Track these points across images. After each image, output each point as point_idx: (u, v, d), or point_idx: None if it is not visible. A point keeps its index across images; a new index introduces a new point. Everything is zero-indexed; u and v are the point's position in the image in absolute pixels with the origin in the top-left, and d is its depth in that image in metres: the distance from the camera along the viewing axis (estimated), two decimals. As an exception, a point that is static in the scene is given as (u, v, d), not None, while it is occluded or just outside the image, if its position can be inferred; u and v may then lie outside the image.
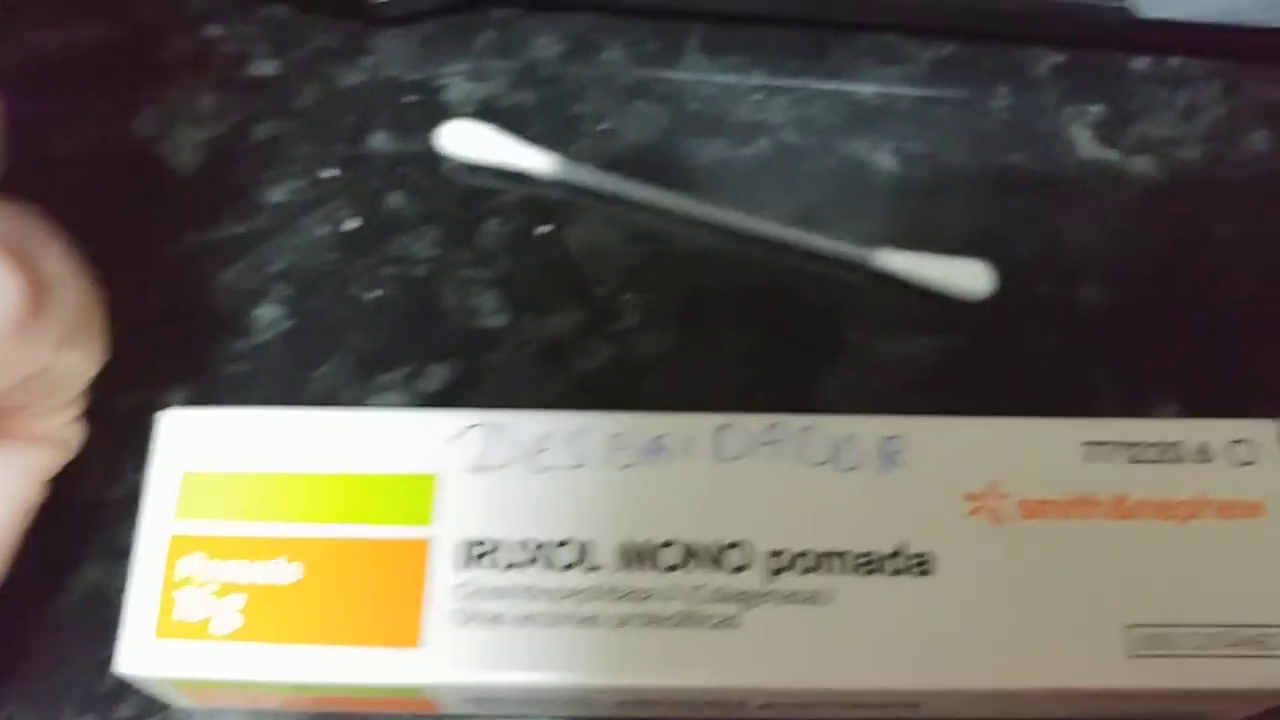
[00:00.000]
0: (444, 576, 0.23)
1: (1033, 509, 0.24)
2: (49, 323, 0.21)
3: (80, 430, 0.25)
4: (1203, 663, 0.23)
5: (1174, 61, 0.34)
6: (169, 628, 0.23)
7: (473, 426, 0.24)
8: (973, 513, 0.24)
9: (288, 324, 0.30)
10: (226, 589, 0.23)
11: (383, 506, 0.24)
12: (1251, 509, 0.24)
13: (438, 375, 0.29)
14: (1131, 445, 0.24)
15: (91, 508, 0.27)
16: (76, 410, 0.24)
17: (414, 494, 0.24)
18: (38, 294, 0.21)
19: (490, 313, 0.30)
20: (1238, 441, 0.24)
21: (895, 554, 0.23)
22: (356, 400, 0.29)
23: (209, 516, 0.24)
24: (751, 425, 0.25)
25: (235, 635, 0.23)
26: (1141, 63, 0.34)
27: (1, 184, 0.21)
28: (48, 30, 0.34)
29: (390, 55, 0.34)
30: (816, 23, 0.34)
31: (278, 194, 0.32)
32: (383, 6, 0.34)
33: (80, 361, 0.23)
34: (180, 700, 0.25)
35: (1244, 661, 0.23)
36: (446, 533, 0.23)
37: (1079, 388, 0.30)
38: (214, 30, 0.34)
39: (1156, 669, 0.23)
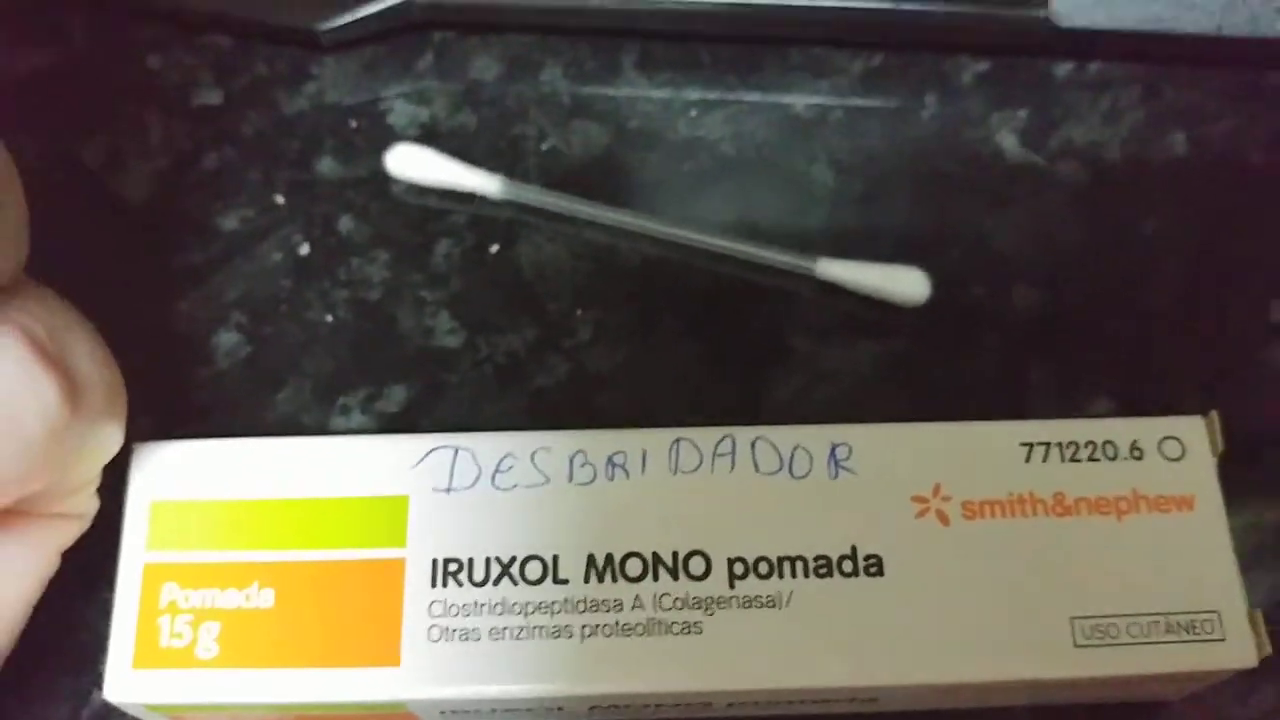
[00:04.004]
0: (419, 596, 0.24)
1: (976, 509, 0.25)
2: (83, 418, 0.22)
3: (97, 501, 0.25)
4: (1143, 649, 0.24)
5: (1094, 67, 0.35)
6: (151, 656, 0.24)
7: (437, 448, 0.25)
8: (919, 515, 0.25)
9: (246, 350, 0.31)
10: (202, 616, 0.24)
11: (358, 529, 0.24)
12: (1183, 503, 0.25)
13: (397, 395, 0.30)
14: (1067, 445, 0.26)
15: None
16: (96, 484, 0.24)
17: (389, 515, 0.25)
18: (73, 393, 0.21)
19: (445, 332, 0.31)
20: (1168, 438, 0.26)
21: (847, 557, 0.24)
22: (319, 422, 0.30)
23: (180, 547, 0.24)
24: (705, 438, 0.26)
25: (216, 661, 0.23)
26: (1063, 69, 0.35)
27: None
28: (-11, 62, 0.35)
29: (333, 81, 0.35)
30: (748, 38, 0.35)
31: (229, 222, 0.32)
32: (324, 34, 0.34)
33: (107, 441, 0.23)
34: (163, 725, 0.25)
35: (1179, 646, 0.24)
36: (419, 552, 0.24)
37: (1016, 386, 0.31)
38: (156, 61, 0.35)
39: (1102, 658, 0.24)
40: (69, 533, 0.25)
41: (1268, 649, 0.24)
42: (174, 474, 0.25)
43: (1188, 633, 0.24)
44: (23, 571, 0.24)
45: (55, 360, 0.21)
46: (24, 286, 0.22)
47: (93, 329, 0.23)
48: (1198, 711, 0.27)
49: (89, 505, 0.25)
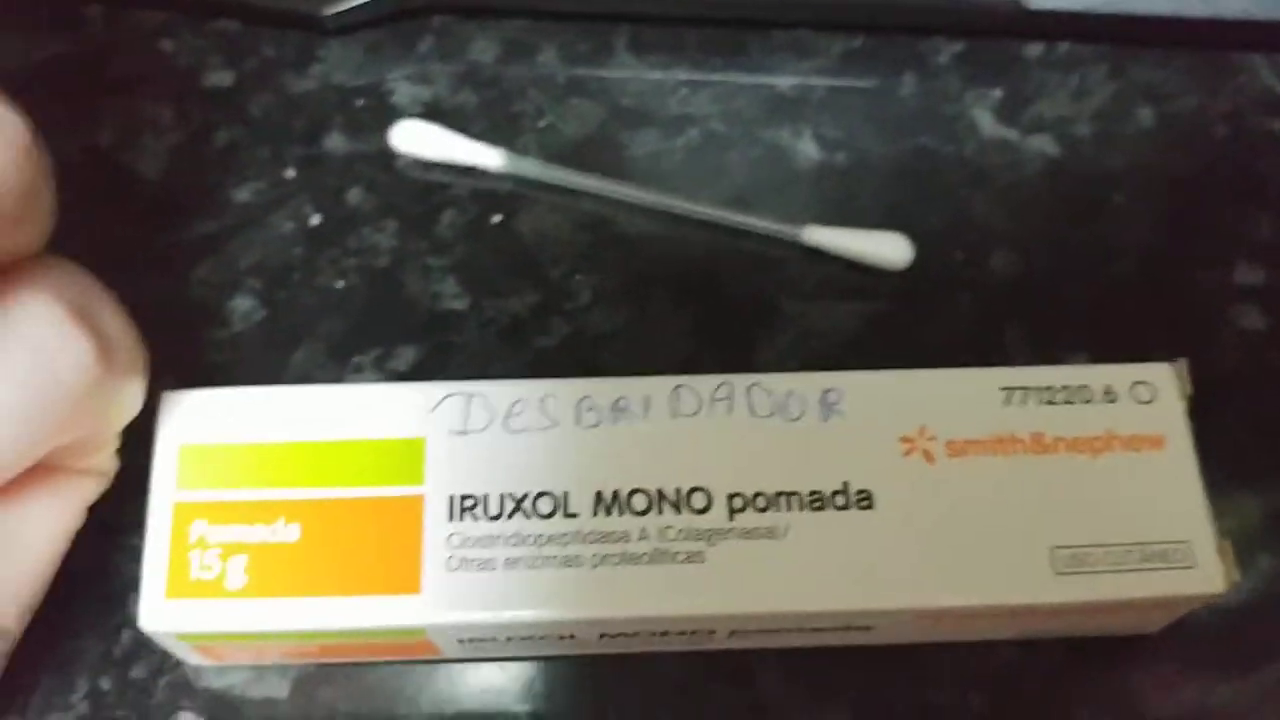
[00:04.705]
0: (437, 529, 0.25)
1: (959, 448, 0.27)
2: (113, 374, 0.23)
3: (117, 460, 0.26)
4: (1119, 577, 0.26)
5: (1064, 47, 0.37)
6: (183, 587, 0.25)
7: (450, 395, 0.27)
8: (906, 453, 0.26)
9: (261, 314, 0.32)
10: (230, 550, 0.25)
11: (378, 468, 0.26)
12: (1154, 442, 0.27)
13: (406, 356, 0.32)
14: (1045, 389, 0.27)
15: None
16: (117, 443, 0.26)
17: (407, 456, 0.26)
18: (105, 353, 0.23)
19: (452, 296, 0.32)
20: (1139, 383, 0.27)
21: (839, 492, 0.26)
22: (333, 379, 0.31)
23: (208, 485, 0.26)
24: (703, 385, 0.27)
25: (245, 591, 0.25)
26: (1034, 49, 0.37)
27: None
28: (5, 48, 0.36)
29: (338, 63, 0.36)
30: (733, 22, 0.37)
31: (242, 194, 0.34)
32: (329, 19, 0.36)
33: (131, 398, 0.25)
34: (192, 657, 0.27)
35: (1153, 574, 0.26)
36: (436, 489, 0.26)
37: (994, 345, 0.32)
38: (168, 45, 0.36)
39: (1080, 584, 0.25)
40: (93, 488, 0.26)
41: (1235, 576, 0.26)
42: (200, 419, 0.26)
43: (1161, 561, 0.26)
44: (52, 524, 0.25)
45: (88, 322, 0.23)
46: (50, 258, 0.24)
47: (112, 297, 0.24)
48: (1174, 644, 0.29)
49: (111, 463, 0.26)
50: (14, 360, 0.22)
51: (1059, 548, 0.26)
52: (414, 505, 0.26)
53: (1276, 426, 0.32)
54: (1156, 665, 0.29)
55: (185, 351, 0.31)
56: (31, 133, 0.22)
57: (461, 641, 0.26)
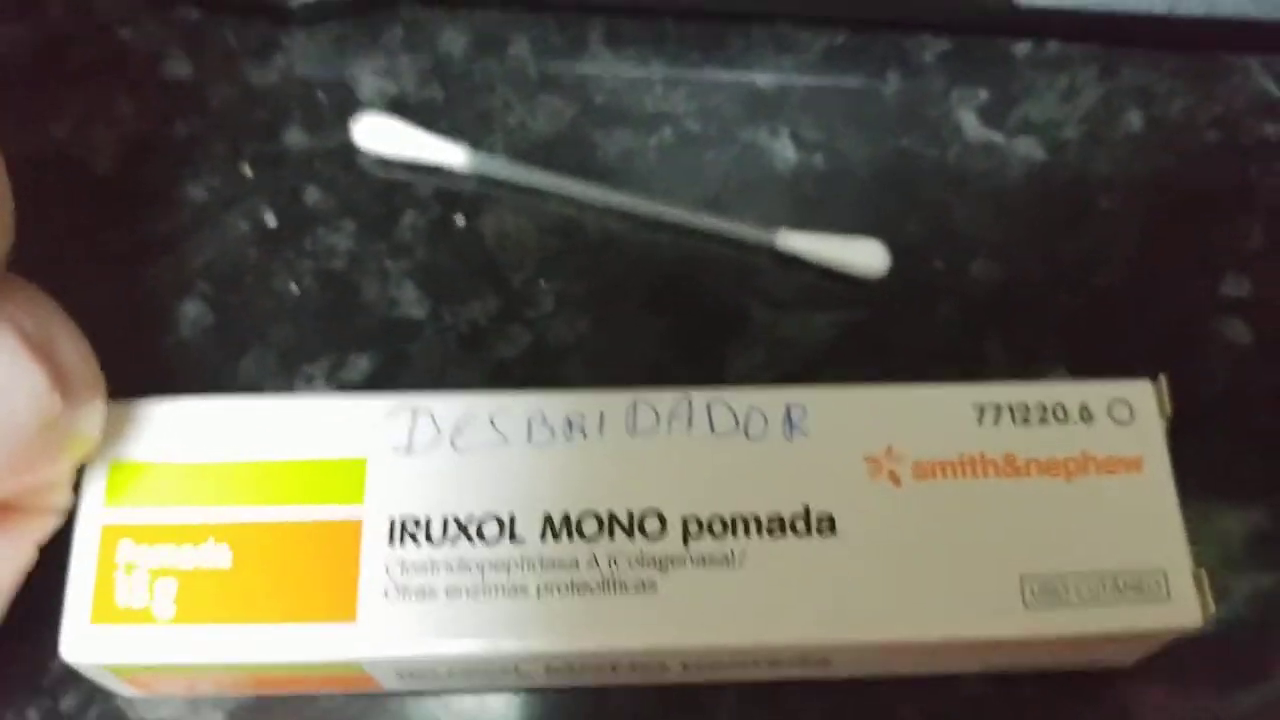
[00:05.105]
0: (376, 553, 0.24)
1: (928, 470, 0.25)
2: (70, 407, 0.22)
3: (73, 496, 0.25)
4: (1092, 610, 0.24)
5: (1053, 47, 0.36)
6: (107, 613, 0.24)
7: (397, 409, 0.26)
8: (872, 475, 0.25)
9: (211, 319, 0.31)
10: (158, 574, 0.24)
11: (315, 488, 0.25)
12: (1131, 464, 0.26)
13: (360, 365, 0.30)
14: (1018, 406, 0.26)
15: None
16: (72, 479, 0.25)
17: (346, 476, 0.25)
18: (62, 385, 0.22)
19: (410, 303, 0.31)
20: (1117, 401, 0.26)
21: (800, 516, 0.25)
22: (282, 391, 0.30)
23: (137, 504, 0.25)
24: (662, 400, 0.26)
25: (173, 619, 0.24)
26: (1022, 48, 0.36)
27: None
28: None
29: (301, 54, 0.35)
30: (712, 15, 0.36)
31: (196, 192, 0.33)
32: (295, 9, 0.34)
33: (88, 432, 0.24)
34: (123, 689, 0.26)
35: (1127, 607, 0.24)
36: (377, 511, 0.25)
37: (973, 357, 0.31)
38: (126, 33, 0.35)
39: (1052, 617, 0.24)
40: (46, 526, 0.25)
41: (1212, 608, 0.25)
42: (132, 434, 0.25)
43: (1135, 592, 0.25)
44: (4, 563, 0.24)
45: (44, 352, 0.22)
46: (7, 280, 0.23)
47: (72, 322, 0.23)
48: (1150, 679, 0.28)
49: (66, 499, 0.25)
50: None
51: (1029, 576, 0.24)
52: (352, 528, 0.24)
53: (1261, 443, 0.31)
54: (1130, 699, 0.28)
55: (128, 358, 0.30)
56: None
57: (401, 675, 0.25)
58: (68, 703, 0.27)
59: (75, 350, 0.23)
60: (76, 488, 0.25)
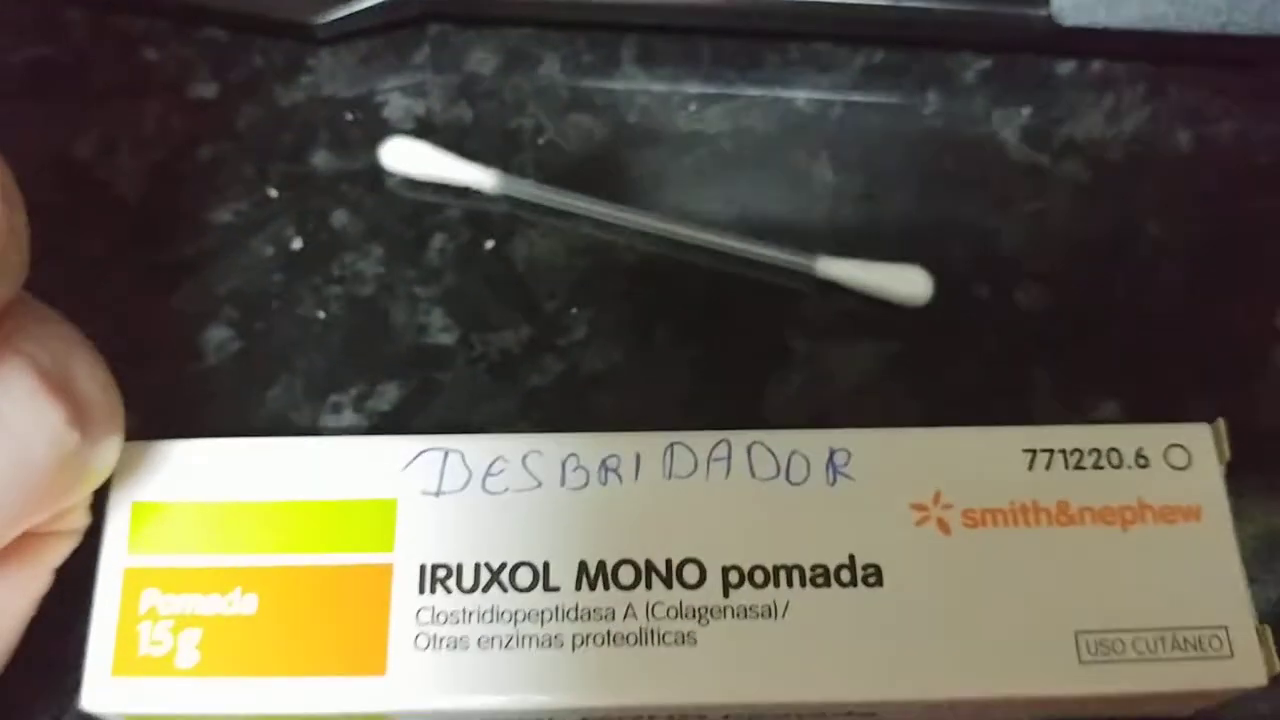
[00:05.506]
0: (406, 602, 0.23)
1: (977, 518, 0.24)
2: (88, 442, 0.21)
3: (89, 517, 0.24)
4: (1149, 666, 0.23)
5: (1097, 65, 0.35)
6: (129, 664, 0.23)
7: (427, 450, 0.25)
8: (919, 523, 0.24)
9: (237, 346, 0.30)
10: (183, 622, 0.23)
11: (344, 533, 0.24)
12: (1189, 513, 0.25)
13: (389, 394, 0.30)
14: (1071, 452, 0.25)
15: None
16: (90, 500, 0.24)
17: (376, 519, 0.24)
18: (80, 418, 0.21)
19: (439, 330, 0.31)
20: (1174, 446, 0.25)
21: (845, 566, 0.24)
22: (310, 420, 0.29)
23: (162, 550, 0.24)
24: (700, 443, 0.25)
25: (196, 669, 0.23)
26: (1066, 67, 0.35)
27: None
28: (-19, 54, 0.34)
29: (328, 74, 0.34)
30: (748, 32, 0.35)
31: (222, 215, 0.32)
32: (320, 28, 0.34)
33: (106, 460, 0.23)
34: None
35: (1187, 664, 0.23)
36: (407, 558, 0.24)
37: (1020, 389, 0.30)
38: (152, 54, 0.34)
39: (1106, 674, 0.23)
40: (62, 549, 0.24)
41: (1277, 666, 0.24)
42: (156, 475, 0.24)
43: (1194, 649, 0.24)
44: (18, 588, 0.24)
45: (62, 387, 0.21)
46: (25, 306, 0.22)
47: (92, 350, 0.23)
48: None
49: (82, 521, 0.24)
50: None
51: (1084, 632, 0.24)
52: (382, 575, 0.24)
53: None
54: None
55: (155, 386, 0.29)
56: (8, 177, 0.21)
57: (434, 727, 0.24)
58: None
59: (94, 380, 0.22)
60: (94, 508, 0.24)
